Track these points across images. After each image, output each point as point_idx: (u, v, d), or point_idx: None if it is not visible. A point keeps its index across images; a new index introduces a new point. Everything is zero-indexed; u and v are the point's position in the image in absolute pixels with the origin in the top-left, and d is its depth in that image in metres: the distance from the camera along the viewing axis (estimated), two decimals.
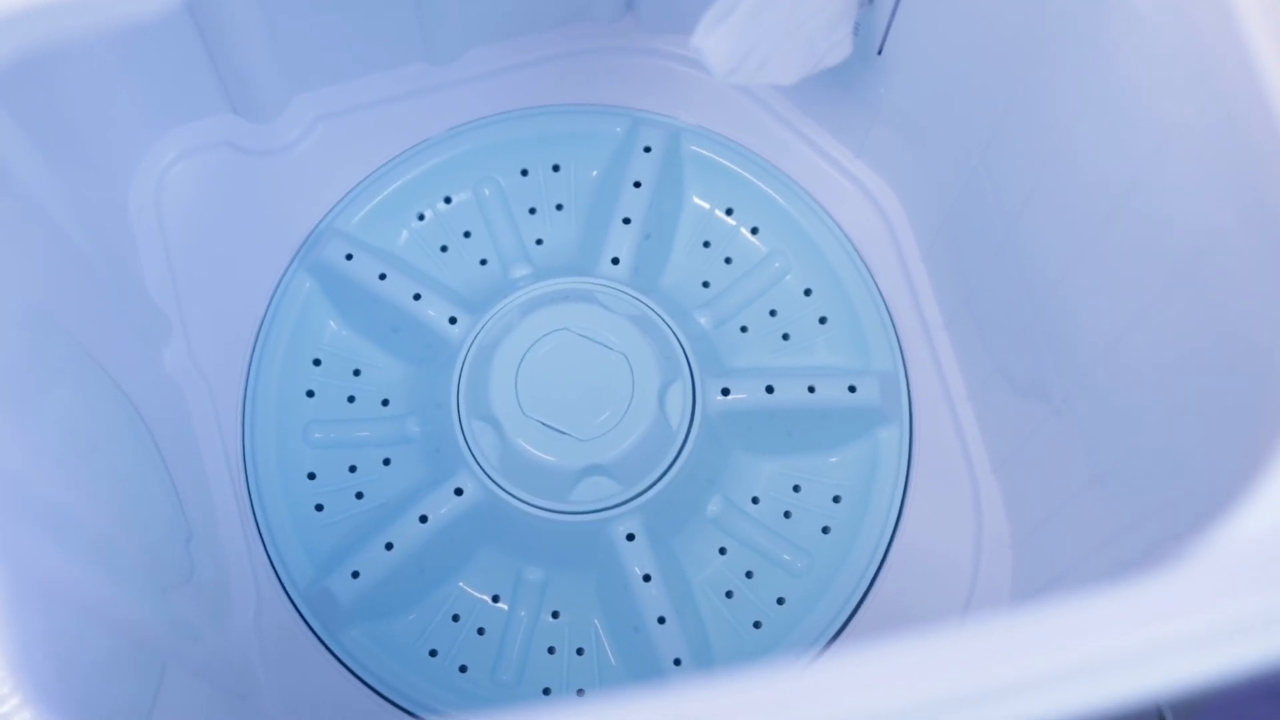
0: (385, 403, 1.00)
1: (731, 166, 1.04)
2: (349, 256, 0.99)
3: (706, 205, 1.05)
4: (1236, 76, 0.56)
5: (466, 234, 1.04)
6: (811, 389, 0.96)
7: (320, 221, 1.02)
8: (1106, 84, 0.68)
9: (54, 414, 0.74)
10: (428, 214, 1.04)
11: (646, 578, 0.91)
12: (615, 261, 0.99)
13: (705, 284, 1.03)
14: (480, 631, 0.95)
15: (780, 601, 0.95)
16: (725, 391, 0.95)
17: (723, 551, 0.96)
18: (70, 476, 0.72)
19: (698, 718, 0.48)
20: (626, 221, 1.00)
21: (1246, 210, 0.58)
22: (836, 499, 0.97)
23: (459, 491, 0.92)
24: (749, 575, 0.96)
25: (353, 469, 0.98)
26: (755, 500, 0.98)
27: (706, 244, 1.04)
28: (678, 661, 0.90)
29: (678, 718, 0.48)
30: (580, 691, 0.93)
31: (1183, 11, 0.59)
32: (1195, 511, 0.55)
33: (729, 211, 1.04)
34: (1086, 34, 0.69)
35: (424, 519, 0.92)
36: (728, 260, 1.03)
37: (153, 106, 1.01)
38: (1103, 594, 0.50)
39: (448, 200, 1.05)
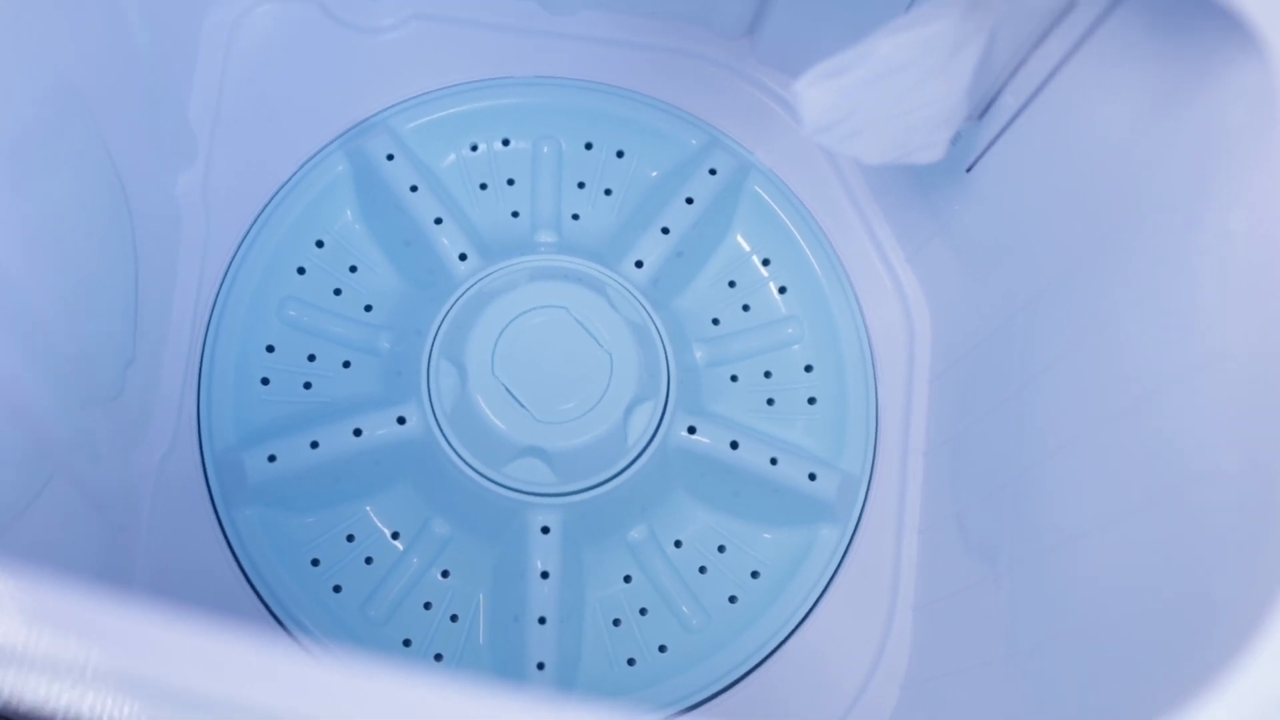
0: (368, 308, 0.98)
1: (785, 220, 1.02)
2: (390, 157, 0.98)
3: (747, 247, 1.03)
4: None
5: (510, 181, 1.02)
6: (774, 461, 0.94)
7: (377, 114, 1.01)
8: (1173, 288, 0.67)
9: (45, 191, 0.72)
10: (481, 147, 1.02)
11: (544, 574, 0.89)
12: (639, 265, 0.97)
13: (715, 321, 1.01)
14: (368, 561, 0.93)
15: (662, 649, 0.93)
16: (692, 430, 0.93)
17: (628, 579, 0.95)
18: (33, 256, 0.70)
19: None
20: (665, 231, 0.98)
21: (1254, 464, 0.56)
22: (755, 574, 0.95)
23: (402, 420, 0.90)
24: (643, 612, 0.94)
25: (312, 358, 0.96)
26: (678, 544, 0.96)
27: (732, 284, 1.02)
28: (541, 666, 0.88)
29: None
30: (438, 657, 0.91)
31: (1273, 243, 0.58)
32: None
33: (765, 262, 1.03)
34: (1174, 233, 0.68)
35: (358, 432, 0.90)
36: (745, 307, 1.02)
37: None
38: None
39: (506, 142, 1.03)
